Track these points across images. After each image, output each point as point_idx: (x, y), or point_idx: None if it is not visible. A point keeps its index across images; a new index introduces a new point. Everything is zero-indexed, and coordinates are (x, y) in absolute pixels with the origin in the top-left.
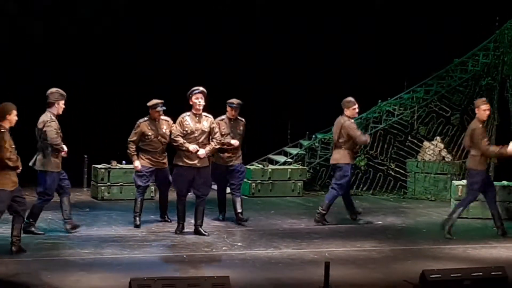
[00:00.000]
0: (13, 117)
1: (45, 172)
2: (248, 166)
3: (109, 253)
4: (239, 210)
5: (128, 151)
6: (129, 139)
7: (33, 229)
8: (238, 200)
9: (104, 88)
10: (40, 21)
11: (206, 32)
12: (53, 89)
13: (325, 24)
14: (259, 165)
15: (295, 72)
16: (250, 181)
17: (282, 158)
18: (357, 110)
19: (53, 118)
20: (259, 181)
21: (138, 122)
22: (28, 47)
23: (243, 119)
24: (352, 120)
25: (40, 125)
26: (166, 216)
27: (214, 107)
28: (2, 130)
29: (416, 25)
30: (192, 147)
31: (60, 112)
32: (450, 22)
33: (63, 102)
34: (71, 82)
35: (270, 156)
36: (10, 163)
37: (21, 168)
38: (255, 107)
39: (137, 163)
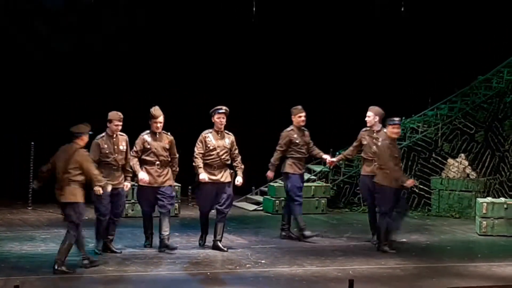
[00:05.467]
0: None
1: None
2: (271, 184)
3: (133, 271)
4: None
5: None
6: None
7: None
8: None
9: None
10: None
11: (232, 54)
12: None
13: (349, 42)
14: (282, 182)
15: (318, 89)
16: (274, 198)
17: (306, 175)
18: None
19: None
20: (283, 198)
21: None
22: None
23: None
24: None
25: None
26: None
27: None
28: None
29: (440, 42)
30: (202, 176)
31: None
32: (474, 39)
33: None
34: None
35: None
36: None
37: None
38: (278, 124)
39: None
